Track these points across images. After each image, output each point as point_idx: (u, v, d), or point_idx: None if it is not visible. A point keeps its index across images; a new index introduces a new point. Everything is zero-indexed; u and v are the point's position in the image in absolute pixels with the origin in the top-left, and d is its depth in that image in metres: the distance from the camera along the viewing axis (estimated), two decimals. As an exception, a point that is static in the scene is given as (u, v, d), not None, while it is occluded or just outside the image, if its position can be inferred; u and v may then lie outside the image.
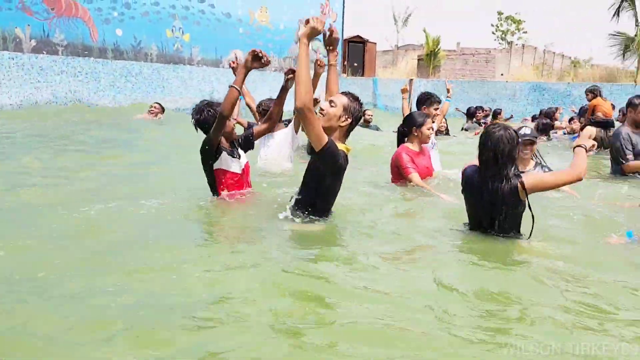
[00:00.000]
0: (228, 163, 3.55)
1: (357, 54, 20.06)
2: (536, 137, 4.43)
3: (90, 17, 11.35)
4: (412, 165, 4.39)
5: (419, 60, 24.49)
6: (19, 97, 10.24)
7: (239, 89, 3.22)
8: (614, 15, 22.88)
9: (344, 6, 18.28)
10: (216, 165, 3.53)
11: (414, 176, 4.33)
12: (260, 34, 15.37)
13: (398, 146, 4.63)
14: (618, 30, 23.50)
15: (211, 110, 3.48)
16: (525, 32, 40.45)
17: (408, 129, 4.55)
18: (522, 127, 4.50)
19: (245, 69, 3.20)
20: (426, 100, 5.42)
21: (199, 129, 3.58)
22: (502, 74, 30.08)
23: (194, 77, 13.55)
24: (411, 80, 18.72)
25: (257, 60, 3.17)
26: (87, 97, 11.31)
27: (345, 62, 19.52)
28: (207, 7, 13.78)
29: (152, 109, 10.18)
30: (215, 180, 3.58)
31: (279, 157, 5.03)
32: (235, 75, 3.44)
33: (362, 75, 19.75)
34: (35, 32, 10.52)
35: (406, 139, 4.59)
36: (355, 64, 20.12)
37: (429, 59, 22.35)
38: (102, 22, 11.59)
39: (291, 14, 16.25)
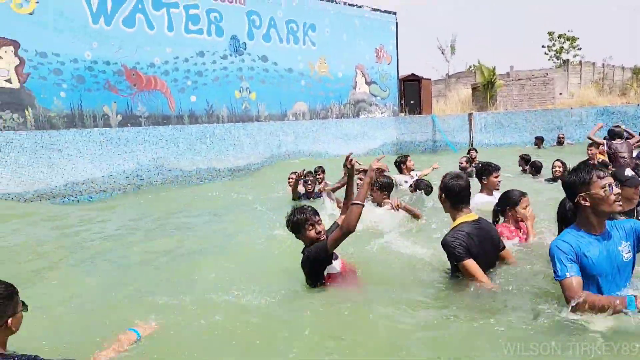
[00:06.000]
0: (334, 266, 3.64)
1: (412, 92, 20.23)
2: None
3: (167, 88, 12.21)
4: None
5: (473, 89, 24.32)
6: (109, 168, 11.07)
7: (363, 204, 3.39)
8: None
9: (397, 48, 18.61)
10: (326, 271, 3.60)
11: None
12: (321, 84, 15.90)
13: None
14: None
15: (291, 219, 3.64)
16: (580, 49, 39.47)
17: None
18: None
19: (371, 185, 3.40)
20: (484, 170, 5.46)
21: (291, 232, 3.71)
22: (560, 94, 29.38)
23: (262, 132, 14.14)
24: (471, 114, 18.69)
25: (381, 174, 3.39)
26: (167, 162, 12.06)
27: (402, 102, 19.72)
28: (270, 66, 14.46)
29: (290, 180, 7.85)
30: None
31: None
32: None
33: (420, 113, 19.86)
34: (121, 108, 11.44)
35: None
36: (412, 102, 20.28)
37: (486, 90, 22.20)
38: (178, 91, 12.43)
39: (348, 62, 16.75)
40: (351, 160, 3.90)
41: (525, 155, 11.09)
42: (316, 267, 3.58)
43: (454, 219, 3.58)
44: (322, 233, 3.63)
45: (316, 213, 3.68)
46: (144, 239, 6.29)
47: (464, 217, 3.54)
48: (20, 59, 9.96)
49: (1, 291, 2.46)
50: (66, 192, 10.40)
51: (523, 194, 4.44)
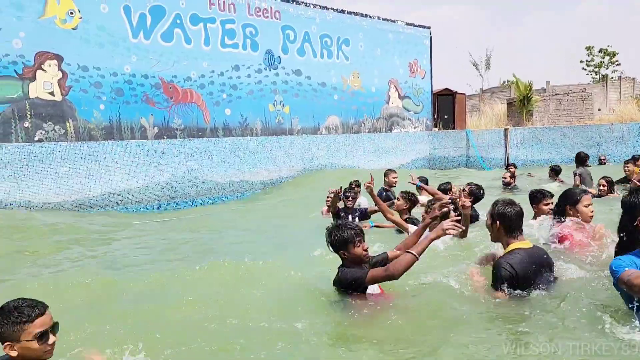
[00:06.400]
0: (369, 292, 3.48)
1: (446, 106, 20.01)
2: None
3: (203, 101, 12.37)
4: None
5: (508, 104, 23.89)
6: (144, 180, 11.23)
7: (418, 258, 3.22)
8: None
9: (431, 63, 18.46)
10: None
11: None
12: (354, 99, 15.86)
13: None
14: None
15: (338, 235, 3.45)
16: (619, 64, 38.50)
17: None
18: None
19: (434, 239, 3.26)
20: (534, 198, 5.25)
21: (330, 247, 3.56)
22: (599, 109, 28.56)
23: (295, 146, 14.16)
24: (507, 129, 18.31)
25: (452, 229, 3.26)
26: (201, 174, 12.18)
27: (436, 116, 19.50)
28: (304, 80, 14.52)
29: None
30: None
31: None
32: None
33: (454, 127, 19.59)
34: (157, 120, 11.64)
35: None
36: (446, 117, 20.04)
37: (522, 105, 21.75)
38: (213, 104, 12.58)
39: (381, 77, 16.68)
40: (448, 205, 3.94)
41: (555, 166, 11.16)
42: (348, 292, 3.44)
43: (506, 246, 3.45)
44: (367, 251, 3.50)
45: (362, 231, 3.53)
46: (171, 255, 6.28)
47: (518, 244, 3.41)
48: (63, 73, 10.26)
49: (11, 316, 2.20)
50: (103, 203, 10.59)
51: (584, 192, 4.25)
